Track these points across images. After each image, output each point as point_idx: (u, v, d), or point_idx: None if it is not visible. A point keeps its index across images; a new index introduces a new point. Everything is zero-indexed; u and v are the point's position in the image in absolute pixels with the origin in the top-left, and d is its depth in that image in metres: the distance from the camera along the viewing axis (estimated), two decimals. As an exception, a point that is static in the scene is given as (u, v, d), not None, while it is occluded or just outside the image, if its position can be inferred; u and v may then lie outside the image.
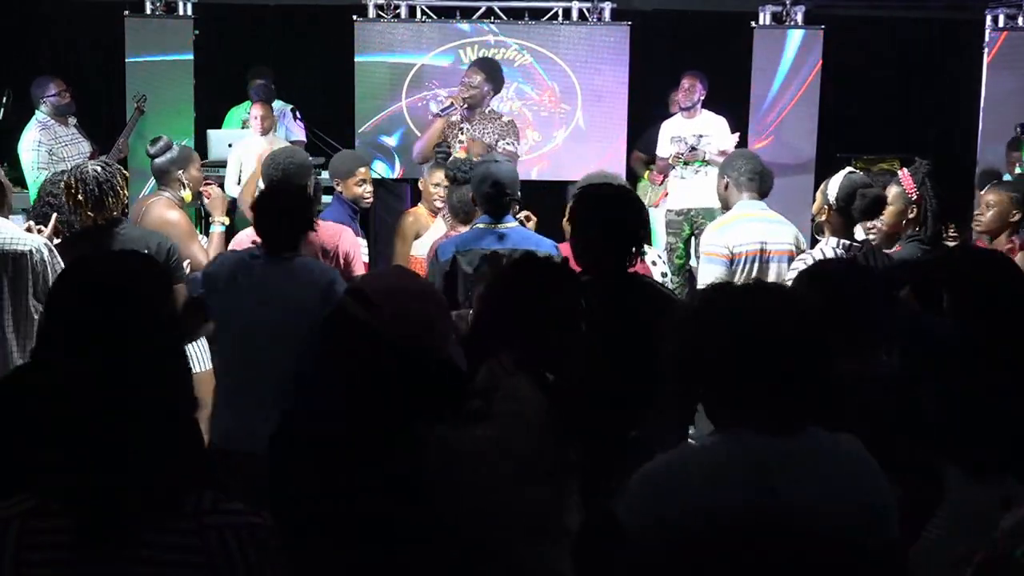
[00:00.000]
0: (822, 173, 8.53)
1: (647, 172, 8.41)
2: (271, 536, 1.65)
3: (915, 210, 4.50)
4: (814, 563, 1.85)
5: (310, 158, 5.13)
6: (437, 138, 6.36)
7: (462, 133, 6.33)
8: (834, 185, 4.29)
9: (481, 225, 4.27)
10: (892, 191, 4.48)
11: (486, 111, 6.41)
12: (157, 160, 4.83)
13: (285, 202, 3.76)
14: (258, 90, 7.90)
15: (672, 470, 1.91)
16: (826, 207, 4.30)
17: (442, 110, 6.45)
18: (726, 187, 4.78)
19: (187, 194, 4.83)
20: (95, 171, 4.20)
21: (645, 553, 1.87)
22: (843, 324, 2.59)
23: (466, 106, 6.38)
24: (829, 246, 4.28)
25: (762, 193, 4.80)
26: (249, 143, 7.43)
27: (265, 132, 7.48)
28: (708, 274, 4.49)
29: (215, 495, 1.63)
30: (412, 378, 2.11)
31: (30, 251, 3.99)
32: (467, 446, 2.23)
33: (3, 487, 1.68)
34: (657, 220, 7.74)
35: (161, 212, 4.71)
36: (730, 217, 4.71)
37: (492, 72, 6.59)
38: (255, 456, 2.40)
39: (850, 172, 4.38)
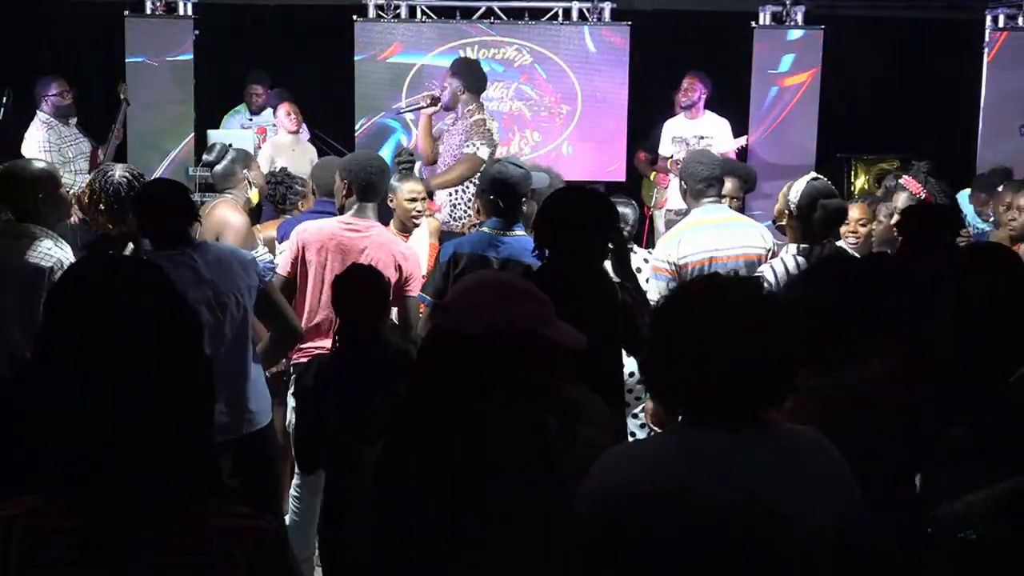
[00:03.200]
0: (822, 173, 8.55)
1: (653, 173, 8.25)
2: (276, 540, 1.65)
3: None
4: (787, 556, 1.84)
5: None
6: (428, 135, 6.23)
7: (442, 135, 6.27)
8: (796, 190, 4.08)
9: (485, 230, 4.20)
10: (901, 199, 4.49)
11: (466, 111, 6.17)
12: (220, 165, 4.58)
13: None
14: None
15: (630, 466, 1.89)
16: (787, 212, 4.11)
17: (408, 107, 6.34)
18: (684, 193, 4.61)
19: (254, 194, 4.59)
20: (121, 183, 4.06)
21: (605, 552, 1.85)
22: (834, 326, 2.59)
23: (439, 106, 6.24)
24: (789, 254, 4.08)
25: (746, 190, 4.67)
26: (279, 141, 7.86)
27: (297, 129, 7.91)
28: (653, 290, 4.20)
29: (221, 498, 1.63)
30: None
31: (50, 267, 3.78)
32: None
33: (8, 488, 1.68)
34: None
35: (223, 213, 4.39)
36: (680, 227, 4.55)
37: (467, 72, 6.32)
38: None
39: (814, 179, 4.16)
